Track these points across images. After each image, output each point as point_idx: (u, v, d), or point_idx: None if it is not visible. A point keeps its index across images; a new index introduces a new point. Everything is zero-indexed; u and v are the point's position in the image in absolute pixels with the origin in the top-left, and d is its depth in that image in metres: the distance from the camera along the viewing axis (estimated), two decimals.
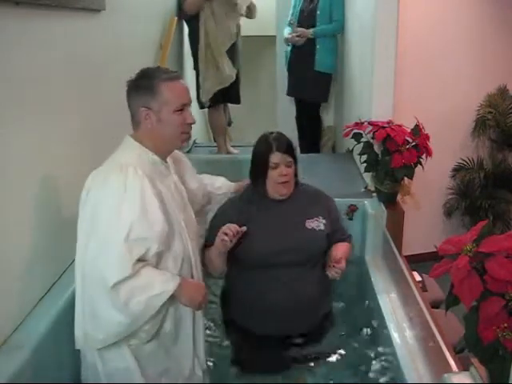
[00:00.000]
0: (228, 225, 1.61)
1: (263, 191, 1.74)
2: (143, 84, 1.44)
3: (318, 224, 1.76)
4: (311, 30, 3.62)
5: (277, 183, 1.70)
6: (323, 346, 1.84)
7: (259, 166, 1.72)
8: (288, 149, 1.71)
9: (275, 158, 1.69)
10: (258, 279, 1.72)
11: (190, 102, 1.51)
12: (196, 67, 3.51)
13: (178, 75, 1.50)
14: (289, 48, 3.85)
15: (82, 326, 1.42)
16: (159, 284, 1.38)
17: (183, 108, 1.46)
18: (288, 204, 1.75)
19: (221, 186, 1.94)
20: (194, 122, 1.50)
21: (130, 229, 1.34)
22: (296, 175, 1.77)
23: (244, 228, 1.62)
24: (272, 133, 1.76)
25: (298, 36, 3.66)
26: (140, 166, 1.41)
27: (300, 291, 1.73)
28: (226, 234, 1.60)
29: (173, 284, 1.40)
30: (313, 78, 3.71)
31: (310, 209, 1.79)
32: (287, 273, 1.71)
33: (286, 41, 3.80)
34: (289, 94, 3.98)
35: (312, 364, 1.80)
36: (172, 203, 1.49)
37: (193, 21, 3.42)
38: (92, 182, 1.42)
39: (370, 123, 2.43)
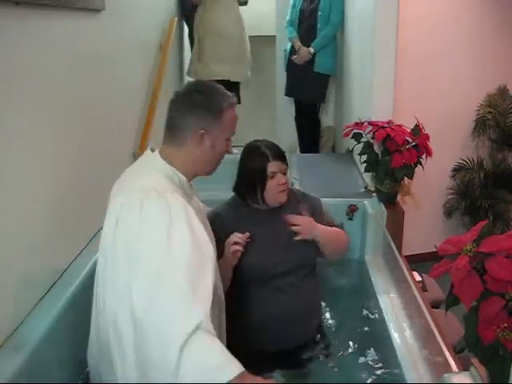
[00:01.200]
0: (234, 234, 1.60)
1: (261, 201, 1.69)
2: (208, 106, 1.34)
3: None
4: (311, 49, 3.64)
5: (277, 192, 1.66)
6: (320, 349, 1.83)
7: (256, 178, 1.66)
8: (283, 156, 1.68)
9: (273, 167, 1.65)
10: (254, 294, 1.69)
11: None
12: None
13: (236, 101, 1.42)
14: (288, 48, 3.85)
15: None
16: (219, 360, 1.10)
17: (231, 137, 1.42)
18: (274, 212, 1.72)
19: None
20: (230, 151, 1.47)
21: (187, 263, 1.15)
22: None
23: (248, 234, 1.60)
24: (259, 141, 1.72)
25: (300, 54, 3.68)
26: (172, 188, 1.29)
27: (298, 301, 1.71)
28: (236, 243, 1.57)
29: (234, 368, 1.09)
30: (311, 79, 3.72)
31: (296, 213, 1.74)
32: (283, 283, 1.68)
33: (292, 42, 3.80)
34: (287, 94, 3.99)
35: (310, 365, 1.80)
36: (203, 224, 1.37)
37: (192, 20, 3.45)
38: (122, 211, 1.23)
39: (370, 123, 2.43)
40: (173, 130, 1.36)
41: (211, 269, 1.22)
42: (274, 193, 1.66)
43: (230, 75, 3.48)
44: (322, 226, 1.74)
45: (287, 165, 1.70)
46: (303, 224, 1.67)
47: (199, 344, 1.09)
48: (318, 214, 1.80)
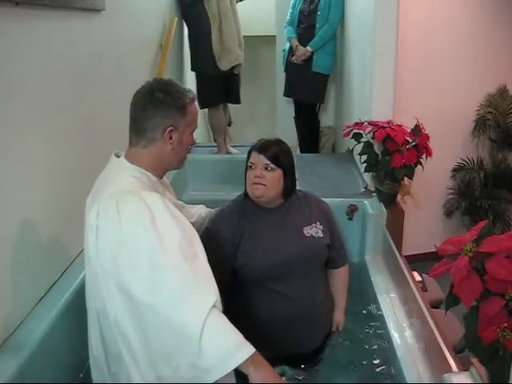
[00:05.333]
0: None
1: (245, 192, 1.71)
2: (173, 102, 1.35)
3: (316, 231, 1.72)
4: (308, 48, 3.65)
5: (251, 184, 1.66)
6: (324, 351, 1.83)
7: (245, 167, 1.70)
8: (269, 154, 1.64)
9: (253, 157, 1.66)
10: (259, 296, 1.67)
11: None
12: (195, 67, 3.51)
13: (195, 96, 1.44)
14: (286, 48, 3.86)
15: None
16: (235, 340, 1.14)
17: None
18: (282, 211, 1.71)
19: (193, 215, 1.77)
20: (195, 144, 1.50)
21: (179, 245, 1.17)
22: (291, 186, 1.72)
23: None
24: (271, 138, 1.73)
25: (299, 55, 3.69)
26: (144, 187, 1.29)
27: (307, 305, 1.69)
28: None
29: (249, 348, 1.14)
30: (310, 79, 3.72)
31: (307, 215, 1.74)
32: (290, 286, 1.66)
33: (290, 42, 3.80)
34: (286, 94, 3.98)
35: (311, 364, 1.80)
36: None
37: (193, 18, 3.42)
38: (99, 220, 1.22)
39: (370, 123, 2.43)
40: (139, 130, 1.36)
41: (201, 249, 1.24)
42: (249, 184, 1.67)
43: (242, 59, 3.51)
44: (343, 303, 1.87)
45: (281, 166, 1.65)
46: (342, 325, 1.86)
47: (216, 324, 1.13)
48: (334, 226, 1.82)
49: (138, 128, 1.36)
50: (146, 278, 1.14)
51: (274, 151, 1.66)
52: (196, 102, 1.43)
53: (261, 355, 1.17)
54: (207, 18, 3.33)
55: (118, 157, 1.39)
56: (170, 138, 1.35)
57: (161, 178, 1.43)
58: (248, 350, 1.14)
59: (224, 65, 3.40)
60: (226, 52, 3.38)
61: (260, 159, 1.65)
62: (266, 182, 1.64)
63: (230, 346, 1.13)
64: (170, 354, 1.15)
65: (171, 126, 1.35)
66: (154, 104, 1.34)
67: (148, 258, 1.16)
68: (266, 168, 1.64)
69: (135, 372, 1.20)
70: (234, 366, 1.11)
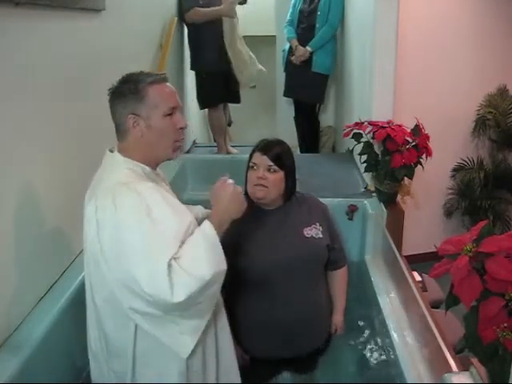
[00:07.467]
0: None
1: (245, 192, 1.67)
2: (128, 89, 1.33)
3: (316, 232, 1.71)
4: (308, 48, 3.65)
5: (253, 185, 1.64)
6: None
7: (247, 168, 1.68)
8: (273, 155, 1.64)
9: (255, 158, 1.65)
10: (259, 298, 1.66)
11: (180, 105, 1.40)
12: (194, 66, 3.52)
13: (164, 77, 1.39)
14: (286, 48, 3.86)
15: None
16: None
17: (173, 112, 1.36)
18: (282, 213, 1.70)
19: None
20: (185, 126, 1.41)
21: (173, 232, 1.22)
22: (292, 188, 1.71)
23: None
24: (273, 139, 1.72)
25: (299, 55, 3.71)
26: (139, 179, 1.31)
27: (307, 306, 1.69)
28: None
29: (207, 226, 1.26)
30: (309, 79, 3.72)
31: (306, 216, 1.73)
32: (290, 287, 1.65)
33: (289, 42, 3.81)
34: (285, 94, 3.98)
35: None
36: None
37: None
38: (98, 214, 1.25)
39: (370, 123, 2.43)
40: (115, 125, 1.38)
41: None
42: (251, 185, 1.65)
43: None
44: (342, 305, 1.84)
45: (283, 168, 1.65)
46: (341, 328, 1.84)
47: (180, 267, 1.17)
48: (333, 227, 1.81)
49: (114, 123, 1.38)
50: (141, 261, 1.17)
51: (277, 152, 1.65)
52: (164, 83, 1.38)
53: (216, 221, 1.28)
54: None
55: (112, 152, 1.39)
56: (136, 125, 1.34)
57: (154, 168, 1.42)
58: (207, 226, 1.24)
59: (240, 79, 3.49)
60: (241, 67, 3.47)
61: (263, 160, 1.64)
62: (268, 184, 1.63)
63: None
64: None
65: (131, 113, 1.33)
66: (116, 96, 1.36)
67: (140, 241, 1.18)
68: (269, 169, 1.63)
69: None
70: (216, 236, 1.24)
